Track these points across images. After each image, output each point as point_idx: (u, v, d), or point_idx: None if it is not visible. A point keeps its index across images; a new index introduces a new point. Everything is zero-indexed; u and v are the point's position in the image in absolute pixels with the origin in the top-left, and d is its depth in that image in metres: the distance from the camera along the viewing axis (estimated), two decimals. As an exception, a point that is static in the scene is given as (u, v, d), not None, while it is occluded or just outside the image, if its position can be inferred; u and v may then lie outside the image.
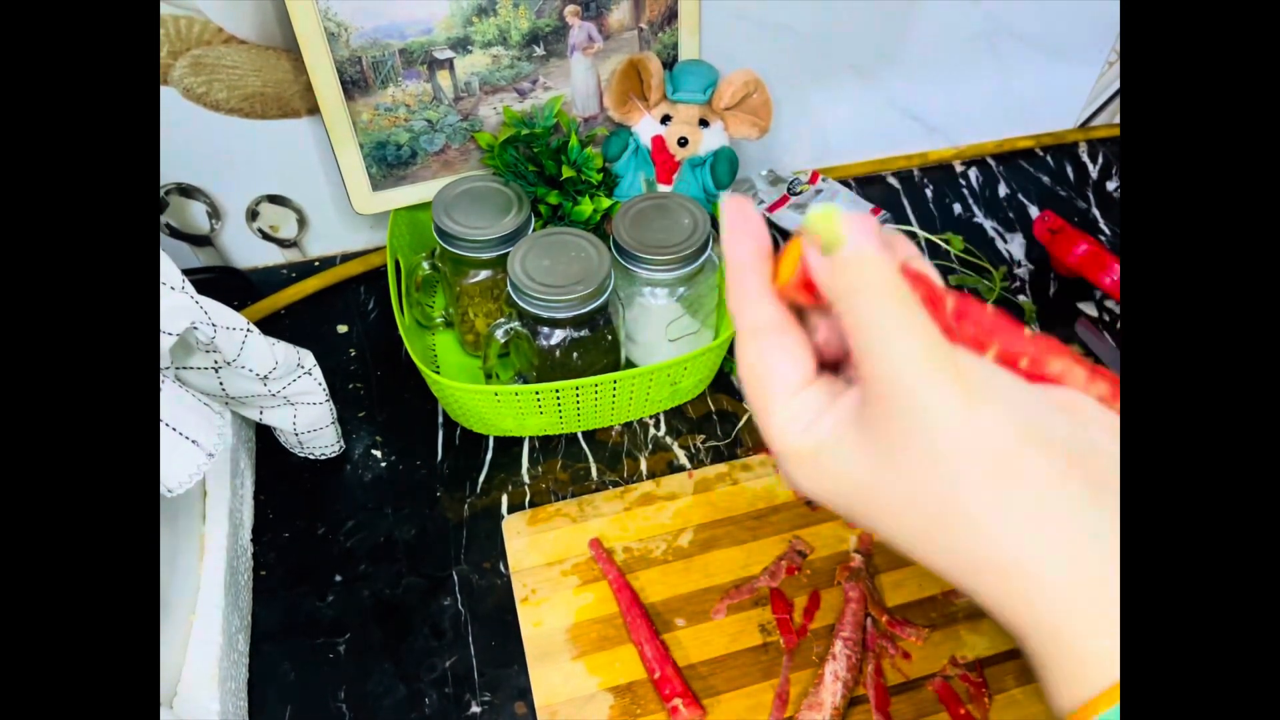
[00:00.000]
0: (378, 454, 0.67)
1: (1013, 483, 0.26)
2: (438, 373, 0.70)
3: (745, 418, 0.69)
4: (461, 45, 0.65)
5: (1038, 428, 0.27)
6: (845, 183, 0.86)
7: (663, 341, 0.67)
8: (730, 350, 0.73)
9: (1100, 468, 0.27)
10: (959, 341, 0.28)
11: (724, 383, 0.72)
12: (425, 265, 0.67)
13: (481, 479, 0.66)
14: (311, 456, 0.65)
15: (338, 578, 0.61)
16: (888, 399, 0.27)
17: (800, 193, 0.83)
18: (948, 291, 0.29)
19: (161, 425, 0.45)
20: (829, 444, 0.29)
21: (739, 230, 0.30)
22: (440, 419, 0.69)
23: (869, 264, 0.27)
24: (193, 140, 0.68)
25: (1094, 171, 0.90)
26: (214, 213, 0.74)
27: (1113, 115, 0.93)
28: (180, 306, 0.47)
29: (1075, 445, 0.27)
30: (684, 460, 0.67)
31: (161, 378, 0.46)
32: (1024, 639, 0.28)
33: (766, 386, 0.30)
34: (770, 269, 0.31)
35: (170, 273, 0.47)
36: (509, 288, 0.60)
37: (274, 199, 0.74)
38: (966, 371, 0.27)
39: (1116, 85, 0.91)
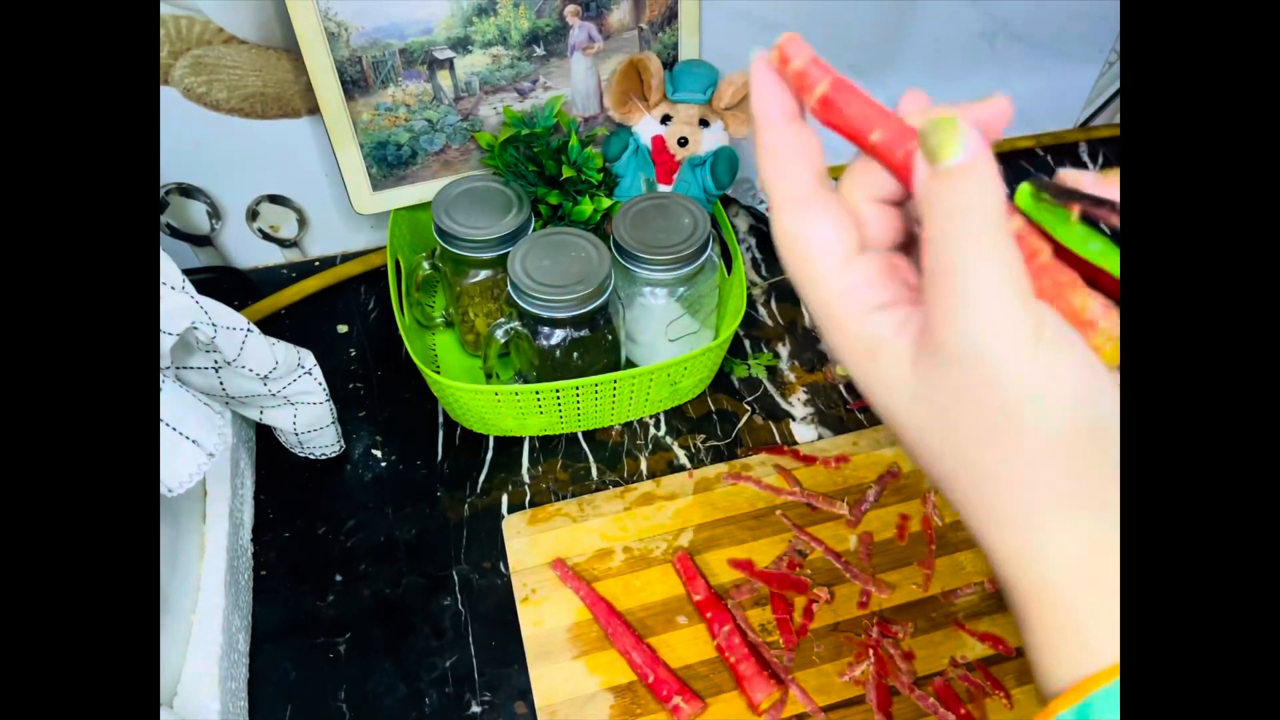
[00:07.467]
0: (378, 454, 0.67)
1: (1054, 471, 0.25)
2: (438, 373, 0.70)
3: (745, 417, 0.69)
4: (461, 45, 0.65)
5: (1092, 415, 0.25)
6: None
7: (663, 341, 0.67)
8: (731, 350, 0.73)
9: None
10: (1044, 296, 0.26)
11: (724, 382, 0.72)
12: (425, 265, 0.67)
13: (482, 479, 0.66)
14: (312, 456, 0.65)
15: (338, 577, 0.61)
16: (954, 341, 0.24)
17: (800, 192, 0.83)
18: (1043, 242, 0.26)
19: (162, 425, 0.45)
20: (887, 344, 0.26)
21: (767, 88, 0.27)
22: (440, 419, 0.69)
23: (976, 186, 0.23)
24: (193, 140, 0.68)
25: (1094, 171, 0.89)
26: (214, 213, 0.74)
27: (1113, 115, 0.93)
28: (180, 307, 0.47)
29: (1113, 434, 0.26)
30: (684, 460, 0.67)
31: (162, 378, 0.46)
32: (1022, 609, 0.27)
33: (811, 256, 0.27)
34: (803, 134, 0.28)
35: (170, 273, 0.47)
36: (509, 288, 0.60)
37: (274, 199, 0.74)
38: (1046, 332, 0.24)
39: (1117, 85, 0.90)
